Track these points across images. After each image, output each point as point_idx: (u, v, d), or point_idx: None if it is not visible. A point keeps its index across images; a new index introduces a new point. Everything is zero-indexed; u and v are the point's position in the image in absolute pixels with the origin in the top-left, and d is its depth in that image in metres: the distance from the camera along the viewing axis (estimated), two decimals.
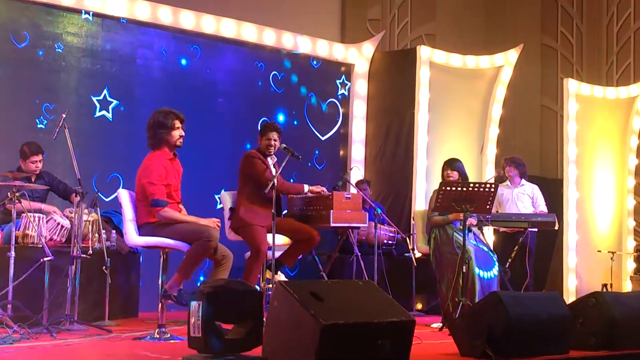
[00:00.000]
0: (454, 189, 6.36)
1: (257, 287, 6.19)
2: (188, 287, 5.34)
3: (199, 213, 5.74)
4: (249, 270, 6.00)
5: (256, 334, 3.74)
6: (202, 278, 7.61)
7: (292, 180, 8.44)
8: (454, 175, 6.91)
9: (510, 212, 8.17)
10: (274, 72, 8.89)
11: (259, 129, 6.57)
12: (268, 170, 6.29)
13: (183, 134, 5.59)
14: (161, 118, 5.53)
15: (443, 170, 7.00)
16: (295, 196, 6.64)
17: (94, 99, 7.60)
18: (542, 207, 8.31)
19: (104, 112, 7.65)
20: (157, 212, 5.38)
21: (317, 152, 9.23)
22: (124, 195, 5.54)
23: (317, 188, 6.55)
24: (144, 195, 5.43)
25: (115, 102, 7.69)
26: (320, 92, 9.30)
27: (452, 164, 7.00)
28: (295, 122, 9.05)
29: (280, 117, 8.85)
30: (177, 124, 5.55)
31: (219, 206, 8.03)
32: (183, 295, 5.25)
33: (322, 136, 9.36)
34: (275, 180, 6.05)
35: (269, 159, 6.44)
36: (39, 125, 7.25)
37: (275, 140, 6.40)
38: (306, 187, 6.50)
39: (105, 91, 7.65)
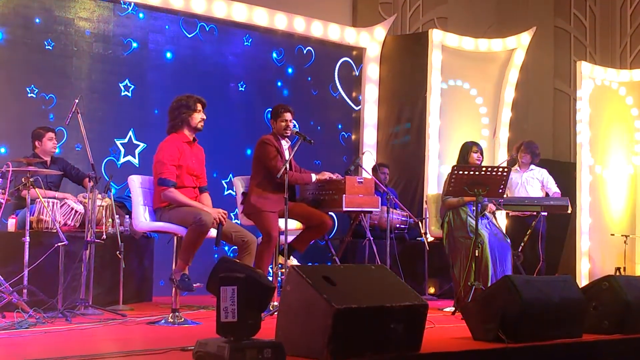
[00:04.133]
0: (466, 172, 6.33)
1: (270, 272, 6.23)
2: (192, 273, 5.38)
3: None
4: (261, 256, 6.01)
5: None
6: None
7: (318, 165, 8.55)
8: (481, 157, 6.85)
9: (520, 196, 8.15)
10: (299, 46, 8.91)
11: (271, 113, 6.55)
12: (279, 158, 6.28)
13: (205, 117, 5.63)
14: (184, 100, 5.58)
15: (469, 150, 6.84)
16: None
17: (119, 86, 7.65)
18: (555, 189, 8.27)
19: (126, 93, 7.70)
20: (162, 192, 5.41)
21: (339, 126, 9.27)
22: (133, 181, 5.57)
23: (324, 176, 6.54)
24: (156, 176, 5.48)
25: (131, 85, 7.73)
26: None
27: (479, 144, 6.91)
28: (319, 94, 9.10)
29: (284, 92, 8.87)
30: (199, 107, 5.59)
31: (226, 192, 8.07)
32: (185, 280, 5.28)
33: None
34: (288, 165, 6.06)
35: (283, 142, 6.43)
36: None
37: (290, 120, 6.40)
38: (314, 177, 6.49)
39: (126, 81, 7.71)
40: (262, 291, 3.58)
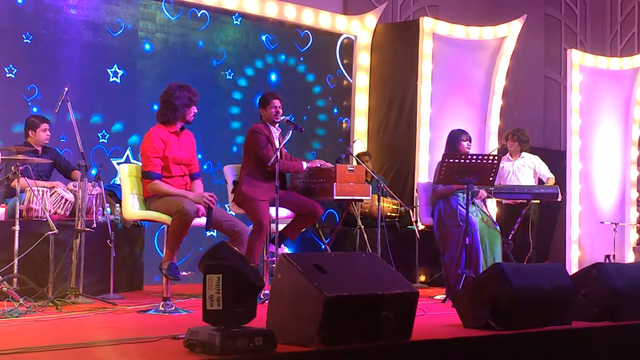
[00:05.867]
0: (457, 160, 6.33)
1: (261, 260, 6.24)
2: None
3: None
4: (252, 244, 6.01)
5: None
6: None
7: (314, 155, 8.56)
8: (470, 145, 6.84)
9: (512, 184, 8.16)
10: (296, 29, 8.90)
11: (259, 101, 6.53)
12: (269, 147, 6.26)
13: (196, 110, 5.65)
14: (187, 94, 5.55)
15: (459, 139, 6.83)
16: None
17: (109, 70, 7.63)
18: (548, 174, 8.27)
19: (114, 79, 7.67)
20: (147, 185, 5.44)
21: (336, 110, 9.26)
22: (123, 170, 5.56)
23: (314, 164, 6.54)
24: None
25: (121, 71, 7.70)
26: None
27: (467, 133, 6.90)
28: (316, 79, 9.10)
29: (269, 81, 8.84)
30: (195, 99, 5.60)
31: (215, 181, 8.05)
32: (172, 269, 5.29)
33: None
34: (279, 154, 6.06)
35: (273, 130, 6.42)
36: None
37: (279, 107, 6.40)
38: (304, 164, 6.49)
39: (114, 67, 7.67)
40: (248, 287, 3.57)
